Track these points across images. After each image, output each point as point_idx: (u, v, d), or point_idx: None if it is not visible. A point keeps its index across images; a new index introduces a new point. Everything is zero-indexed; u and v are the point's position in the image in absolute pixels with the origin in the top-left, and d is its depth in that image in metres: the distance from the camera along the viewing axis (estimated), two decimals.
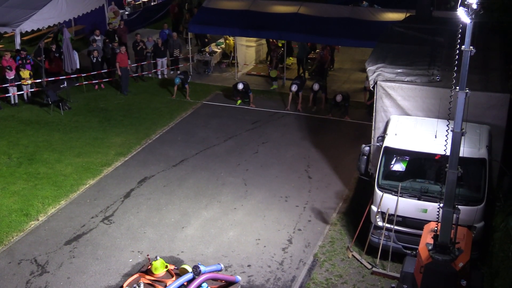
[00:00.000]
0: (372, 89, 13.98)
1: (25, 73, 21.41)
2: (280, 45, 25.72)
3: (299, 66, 24.77)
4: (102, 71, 23.53)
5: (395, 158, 12.81)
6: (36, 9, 22.87)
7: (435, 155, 11.88)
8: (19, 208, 14.81)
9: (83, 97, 22.39)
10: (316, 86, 20.84)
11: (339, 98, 20.14)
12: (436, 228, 10.23)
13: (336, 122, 20.30)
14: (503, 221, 9.10)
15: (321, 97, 21.20)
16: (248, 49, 25.83)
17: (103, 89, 23.27)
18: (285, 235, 13.82)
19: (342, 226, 14.22)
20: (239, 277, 11.95)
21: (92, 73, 23.06)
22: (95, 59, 23.04)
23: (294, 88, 20.91)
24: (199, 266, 11.15)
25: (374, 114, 14.06)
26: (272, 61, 24.53)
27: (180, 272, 11.51)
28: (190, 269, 11.28)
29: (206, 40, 27.31)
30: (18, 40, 22.83)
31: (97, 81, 23.19)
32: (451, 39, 11.54)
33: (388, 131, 12.96)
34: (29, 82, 21.61)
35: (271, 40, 24.85)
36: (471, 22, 8.70)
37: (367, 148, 13.14)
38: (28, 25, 22.64)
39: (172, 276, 11.58)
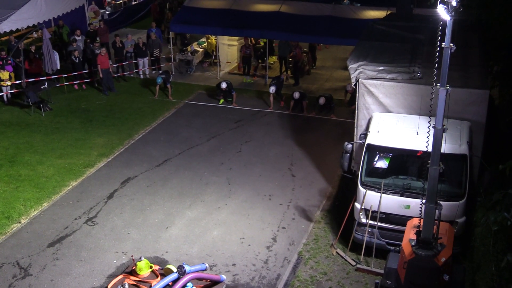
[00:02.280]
0: (354, 86, 14.04)
1: (5, 75, 21.17)
2: (262, 43, 25.77)
3: (281, 65, 24.81)
4: (83, 71, 23.39)
5: (377, 155, 12.90)
6: (14, 9, 22.57)
7: (417, 151, 11.97)
8: (1, 211, 14.63)
9: (64, 98, 22.21)
10: (296, 95, 20.50)
11: (322, 101, 20.17)
12: (419, 224, 10.33)
13: (319, 120, 20.36)
14: (484, 216, 9.20)
15: (303, 105, 20.85)
16: (230, 48, 25.82)
17: (84, 89, 23.10)
18: (270, 234, 13.84)
19: (326, 223, 14.29)
20: (224, 276, 11.96)
21: (73, 73, 22.92)
22: (77, 59, 22.89)
23: (272, 90, 20.90)
24: (184, 266, 11.13)
25: (356, 111, 14.14)
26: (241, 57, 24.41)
27: (165, 272, 11.48)
28: (174, 269, 11.26)
29: (186, 41, 27.19)
30: None
31: (78, 81, 23.05)
32: (432, 36, 11.65)
33: (370, 129, 13.05)
34: (9, 83, 21.37)
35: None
36: (451, 20, 8.79)
37: (349, 146, 13.22)
38: (7, 26, 22.32)
39: (157, 277, 11.56)
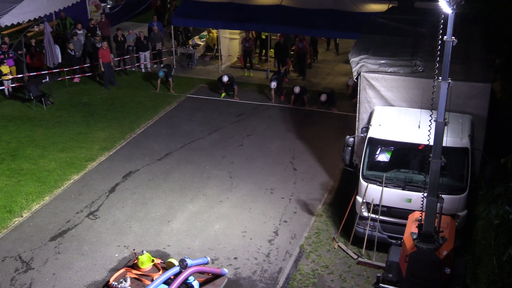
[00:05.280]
0: (355, 80, 14.03)
1: (6, 68, 21.15)
2: (263, 37, 25.70)
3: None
4: (85, 65, 23.36)
5: (379, 149, 12.89)
6: (15, 3, 22.55)
7: (418, 145, 11.97)
8: (3, 205, 14.67)
9: (66, 92, 22.21)
10: (297, 89, 20.42)
11: (323, 98, 20.08)
12: (420, 218, 10.33)
13: (320, 114, 20.34)
14: (486, 209, 9.20)
15: (304, 100, 20.75)
16: (231, 42, 25.77)
17: (79, 83, 23.03)
18: (271, 227, 13.86)
19: (328, 217, 14.30)
20: (226, 270, 11.99)
21: (74, 67, 22.91)
22: (73, 51, 22.88)
23: (273, 85, 20.90)
24: (186, 259, 11.15)
25: (358, 105, 14.12)
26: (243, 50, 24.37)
27: (167, 266, 11.50)
28: (176, 263, 11.28)
29: (189, 34, 27.10)
30: None
31: (79, 75, 23.03)
32: (433, 29, 11.62)
33: (372, 122, 13.03)
34: (10, 77, 21.37)
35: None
36: (453, 13, 8.76)
37: (351, 139, 13.21)
38: (8, 19, 22.30)
39: (159, 270, 11.59)
